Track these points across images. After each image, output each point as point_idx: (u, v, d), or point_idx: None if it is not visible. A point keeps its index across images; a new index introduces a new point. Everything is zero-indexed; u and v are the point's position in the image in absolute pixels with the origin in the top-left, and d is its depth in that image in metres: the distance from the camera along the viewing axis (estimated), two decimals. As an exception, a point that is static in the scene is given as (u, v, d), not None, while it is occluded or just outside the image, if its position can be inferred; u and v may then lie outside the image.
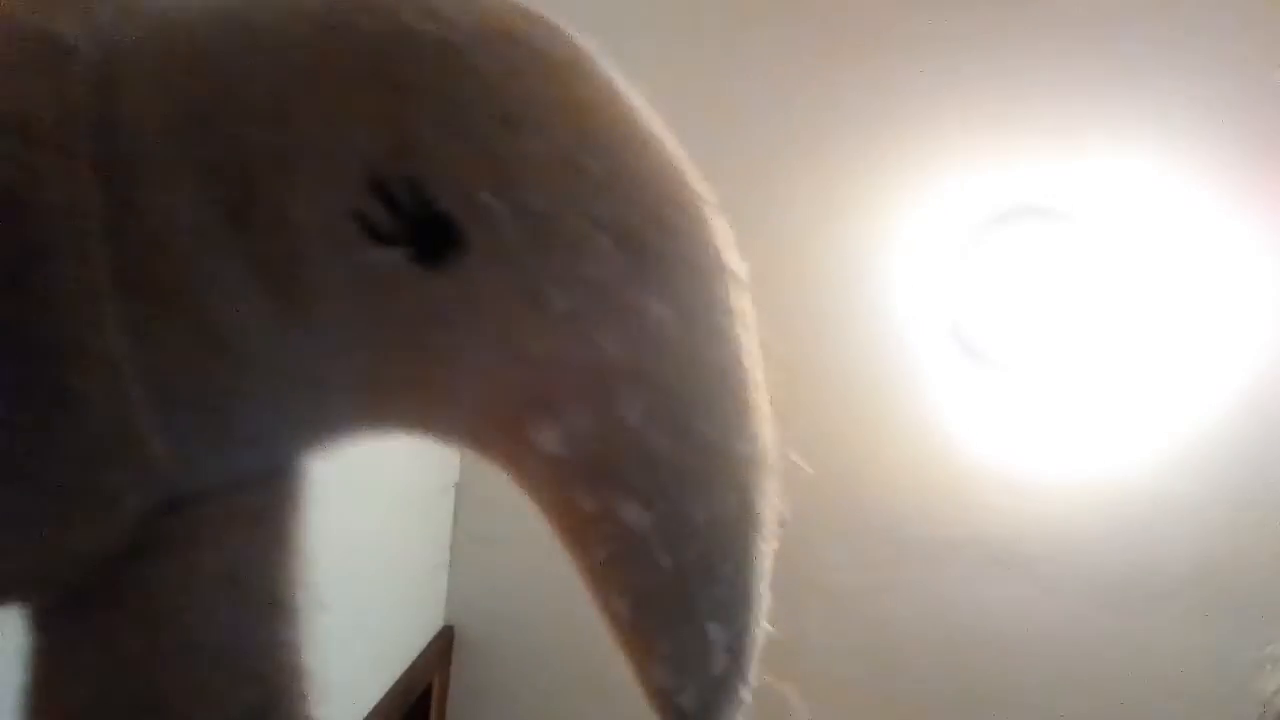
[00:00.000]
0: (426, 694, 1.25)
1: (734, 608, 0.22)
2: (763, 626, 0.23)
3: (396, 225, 0.19)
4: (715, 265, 0.21)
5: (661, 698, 0.23)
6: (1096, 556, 1.13)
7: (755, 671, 0.24)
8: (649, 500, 0.21)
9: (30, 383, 0.18)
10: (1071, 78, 1.05)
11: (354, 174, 0.19)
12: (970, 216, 1.06)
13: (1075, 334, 1.11)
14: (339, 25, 0.19)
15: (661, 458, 0.21)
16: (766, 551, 0.23)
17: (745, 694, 0.23)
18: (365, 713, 1.17)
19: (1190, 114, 1.06)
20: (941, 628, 1.03)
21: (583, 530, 0.22)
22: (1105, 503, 1.13)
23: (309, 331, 0.20)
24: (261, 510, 0.22)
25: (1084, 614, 1.09)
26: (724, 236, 0.22)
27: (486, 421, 0.21)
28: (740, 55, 1.05)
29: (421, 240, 0.19)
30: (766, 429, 0.22)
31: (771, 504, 0.23)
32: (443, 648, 1.27)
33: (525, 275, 0.20)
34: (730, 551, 0.22)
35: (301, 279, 0.19)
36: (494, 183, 0.19)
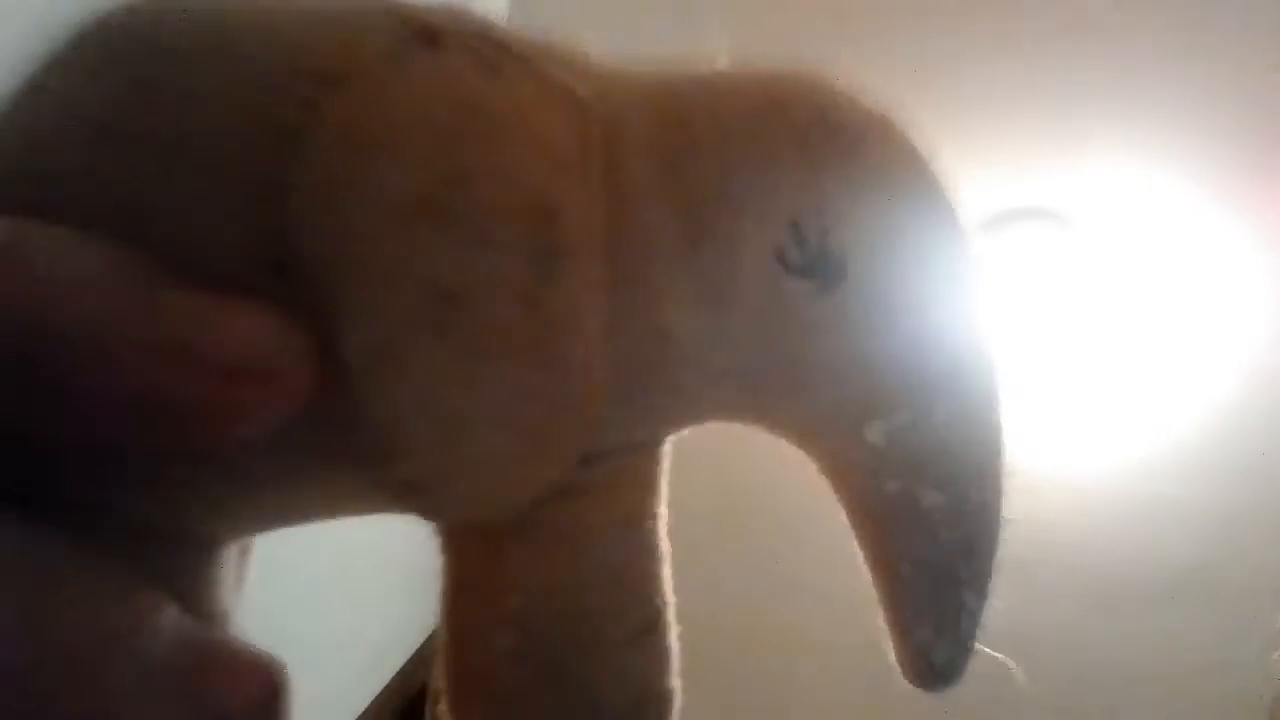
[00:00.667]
0: (420, 695, 1.26)
1: (984, 579, 0.29)
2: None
3: (804, 260, 0.26)
4: (980, 311, 0.29)
5: (919, 652, 0.29)
6: (1089, 558, 1.14)
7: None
8: (942, 485, 0.28)
9: (538, 349, 0.24)
10: (1069, 81, 1.07)
11: (782, 219, 0.26)
12: (966, 219, 1.08)
13: (1068, 336, 1.12)
14: (779, 114, 0.26)
15: (955, 452, 0.28)
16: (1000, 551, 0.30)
17: (974, 654, 0.30)
18: (358, 713, 1.17)
19: (1189, 117, 1.09)
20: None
21: (882, 509, 0.28)
22: (1098, 505, 1.14)
23: (726, 337, 0.26)
24: (643, 471, 0.28)
25: (1075, 616, 1.10)
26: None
27: (826, 418, 0.28)
28: (733, 59, 1.04)
29: (820, 272, 0.26)
30: (1009, 444, 0.29)
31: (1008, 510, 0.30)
32: (437, 648, 1.27)
33: (885, 304, 0.27)
34: (989, 531, 0.29)
35: (731, 295, 0.26)
36: (874, 235, 0.26)
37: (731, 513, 1.21)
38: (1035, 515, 1.16)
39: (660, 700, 0.27)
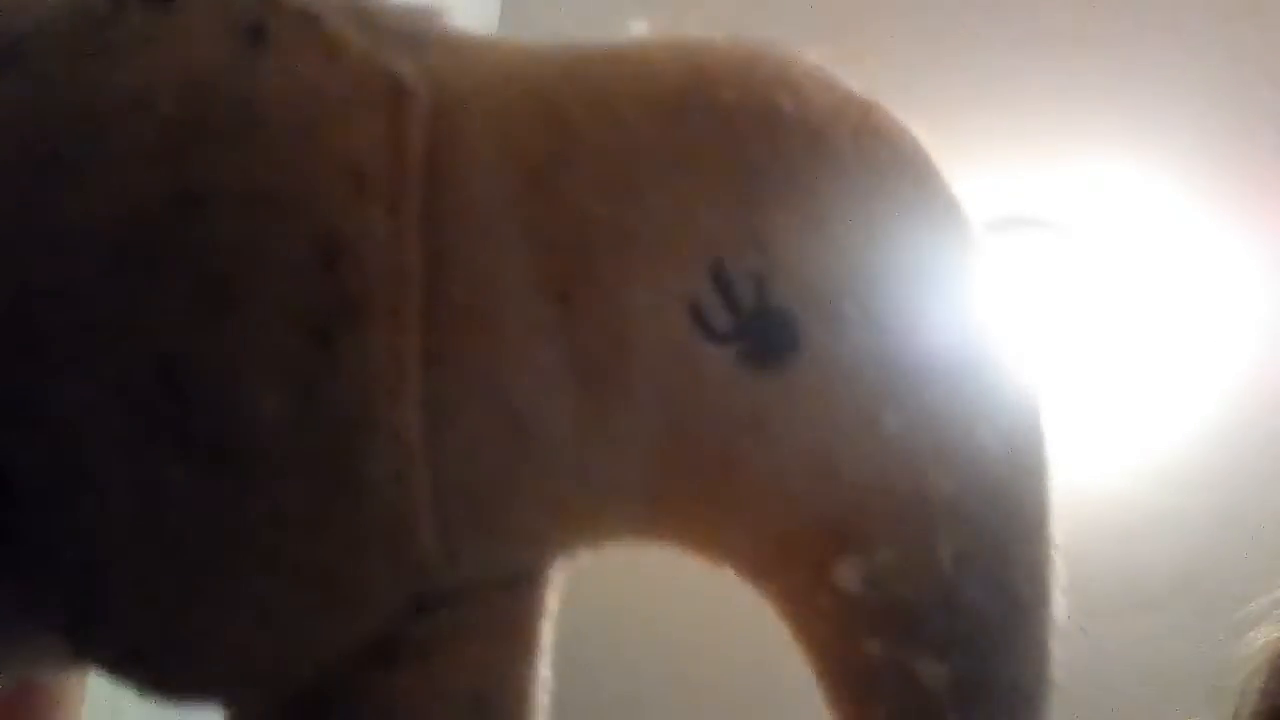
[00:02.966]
0: None
1: None
2: None
3: (733, 321, 0.18)
4: (1033, 394, 0.20)
5: None
6: (1079, 566, 1.09)
7: None
8: (948, 655, 0.19)
9: (315, 455, 0.17)
10: (1064, 89, 1.03)
11: (699, 260, 0.18)
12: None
13: (1060, 344, 1.10)
14: (703, 99, 0.18)
15: (970, 609, 0.19)
16: None
17: None
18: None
19: (1184, 125, 1.06)
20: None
21: (863, 682, 0.20)
22: (1090, 513, 1.12)
23: (612, 427, 0.18)
24: (509, 619, 0.20)
25: (1066, 623, 1.07)
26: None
27: (779, 550, 0.20)
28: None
29: (757, 339, 0.18)
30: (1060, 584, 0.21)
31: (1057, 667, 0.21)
32: None
33: (860, 386, 0.18)
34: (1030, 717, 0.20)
35: (620, 369, 0.18)
36: (846, 283, 0.18)
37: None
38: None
39: None
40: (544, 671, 0.20)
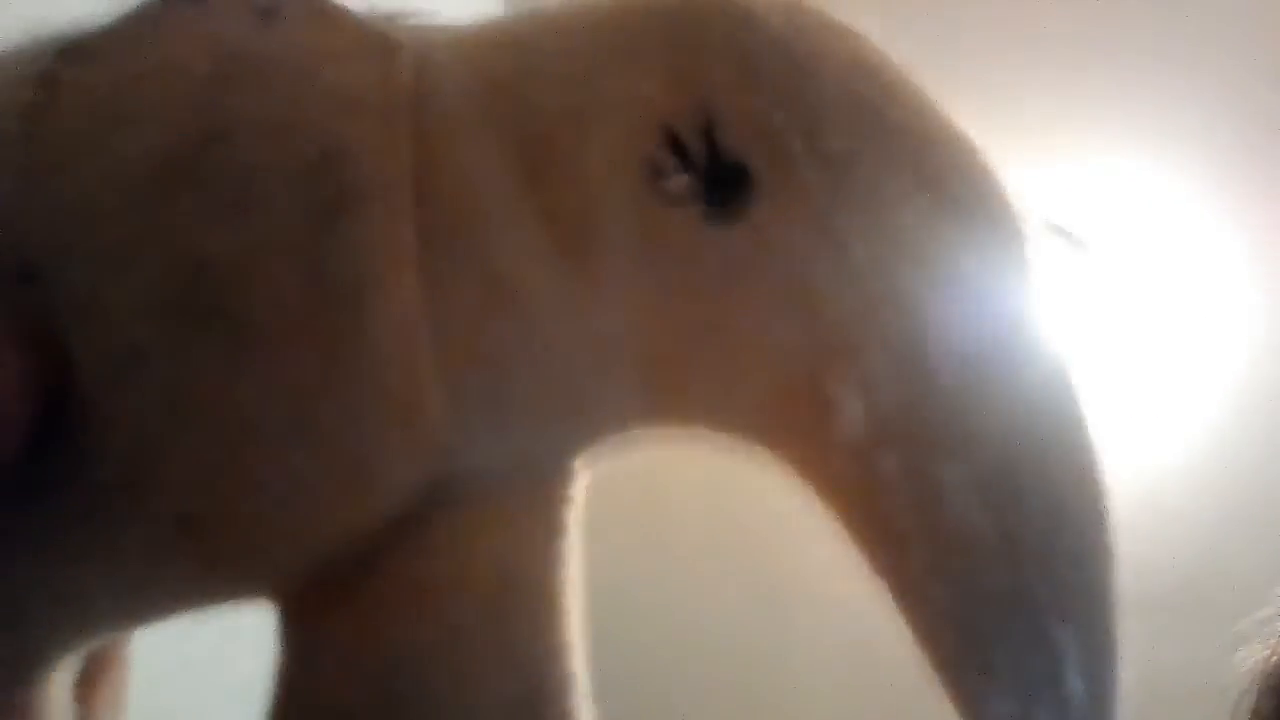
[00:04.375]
0: None
1: (1088, 610, 0.19)
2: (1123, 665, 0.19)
3: (689, 176, 0.20)
4: (1013, 220, 0.21)
5: None
6: None
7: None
8: (966, 457, 0.19)
9: (326, 316, 0.19)
10: (1070, 92, 1.05)
11: (648, 126, 0.20)
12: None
13: (1067, 345, 1.06)
14: (632, 3, 0.21)
15: (979, 413, 0.19)
16: (1117, 565, 0.20)
17: None
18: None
19: (1187, 130, 1.06)
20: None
21: (887, 501, 0.19)
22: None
23: (594, 289, 0.20)
24: (533, 507, 0.21)
25: None
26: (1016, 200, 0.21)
27: (778, 395, 0.20)
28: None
29: (713, 191, 0.20)
30: (1082, 400, 0.20)
31: (1109, 498, 0.20)
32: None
33: (821, 217, 0.19)
34: (1072, 532, 0.19)
35: (591, 232, 0.20)
36: (787, 120, 0.20)
37: (720, 515, 1.18)
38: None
39: None
40: (572, 565, 0.21)
